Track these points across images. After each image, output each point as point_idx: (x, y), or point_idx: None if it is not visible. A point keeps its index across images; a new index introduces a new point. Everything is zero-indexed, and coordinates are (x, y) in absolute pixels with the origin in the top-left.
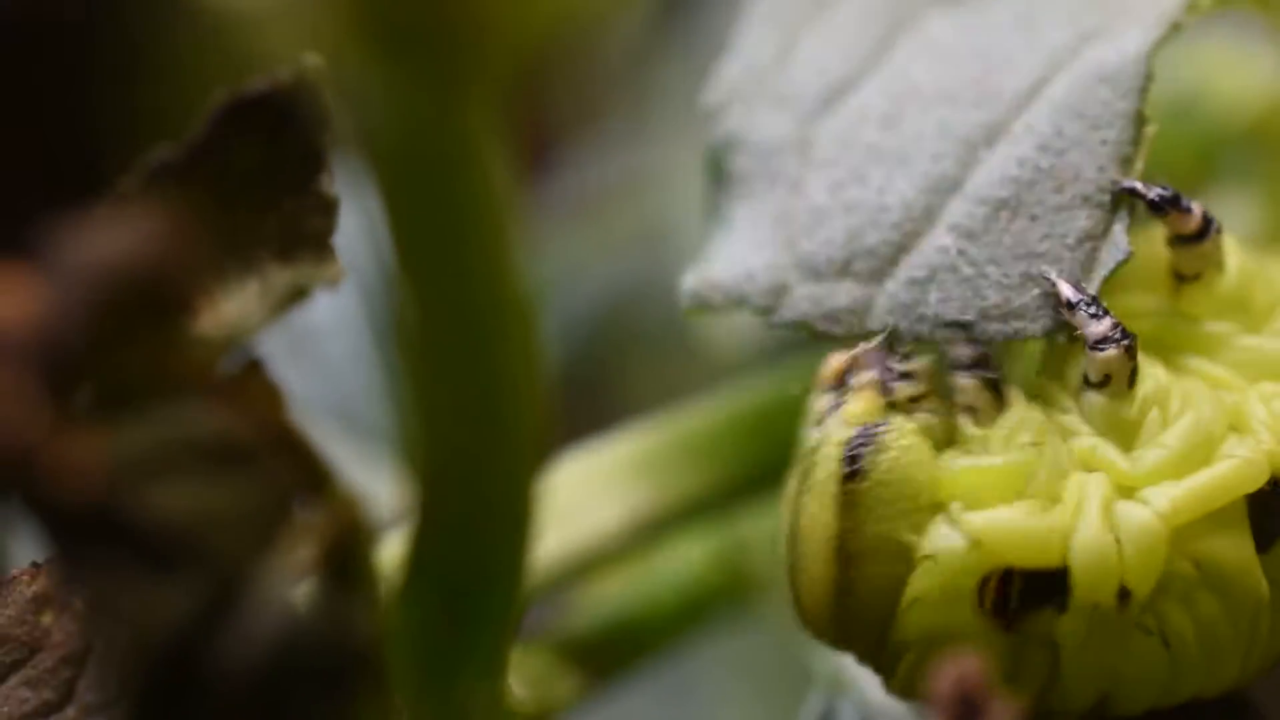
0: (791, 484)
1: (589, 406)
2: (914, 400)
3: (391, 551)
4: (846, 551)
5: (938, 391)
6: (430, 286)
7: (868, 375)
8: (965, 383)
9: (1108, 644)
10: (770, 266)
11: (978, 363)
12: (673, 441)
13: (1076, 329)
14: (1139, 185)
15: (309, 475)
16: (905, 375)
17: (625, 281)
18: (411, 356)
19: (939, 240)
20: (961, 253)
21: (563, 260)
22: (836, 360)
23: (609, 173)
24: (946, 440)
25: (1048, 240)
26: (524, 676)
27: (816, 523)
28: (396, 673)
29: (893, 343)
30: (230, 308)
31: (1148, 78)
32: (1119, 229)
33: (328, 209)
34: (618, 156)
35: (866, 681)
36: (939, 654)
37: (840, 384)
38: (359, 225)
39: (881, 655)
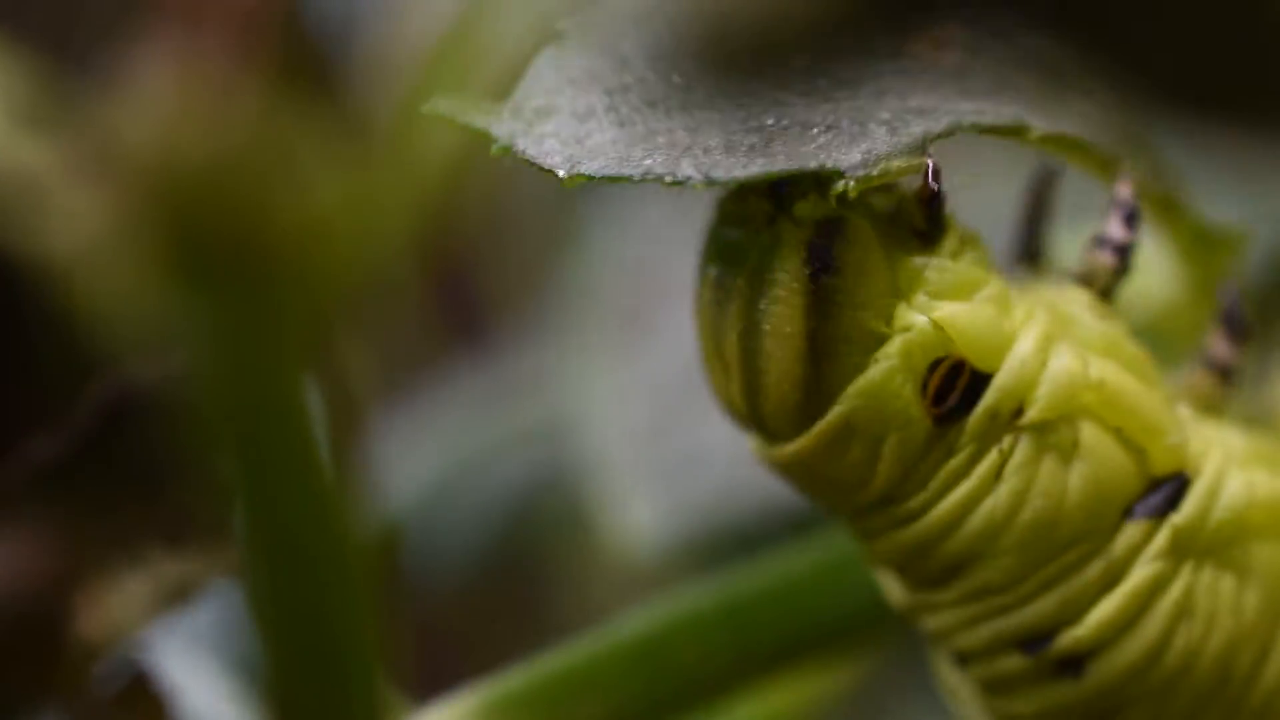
0: (731, 292)
1: (501, 599)
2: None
3: None
4: (818, 347)
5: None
6: (259, 521)
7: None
8: (928, 214)
9: (972, 454)
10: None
11: (927, 196)
12: (553, 676)
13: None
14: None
15: None
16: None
17: (530, 477)
18: (253, 596)
19: None
20: None
21: (475, 450)
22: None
23: (521, 365)
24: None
25: None
26: None
27: (784, 323)
28: None
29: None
30: (115, 606)
31: None
32: None
33: (218, 497)
34: (528, 349)
35: None
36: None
37: (770, 192)
38: None
39: None
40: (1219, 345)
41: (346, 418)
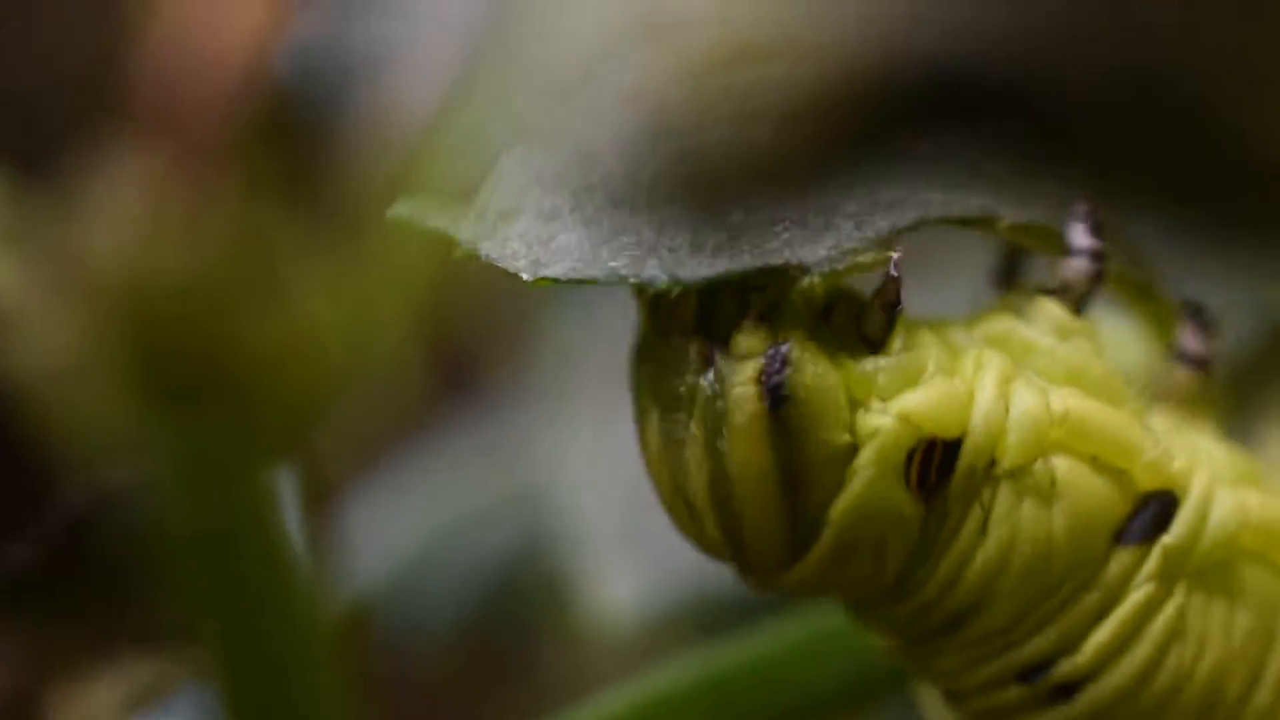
0: (685, 440)
1: (481, 667)
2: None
3: None
4: (792, 477)
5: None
6: (227, 625)
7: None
8: (886, 318)
9: (958, 516)
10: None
11: (891, 300)
12: None
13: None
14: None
15: None
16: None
17: (511, 546)
18: (224, 697)
19: None
20: None
21: (457, 519)
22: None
23: (506, 433)
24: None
25: None
26: None
27: (751, 463)
28: None
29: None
30: (87, 711)
31: None
32: None
33: (188, 599)
34: (512, 416)
35: None
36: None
37: (699, 328)
38: None
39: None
40: (1188, 338)
41: (319, 502)
